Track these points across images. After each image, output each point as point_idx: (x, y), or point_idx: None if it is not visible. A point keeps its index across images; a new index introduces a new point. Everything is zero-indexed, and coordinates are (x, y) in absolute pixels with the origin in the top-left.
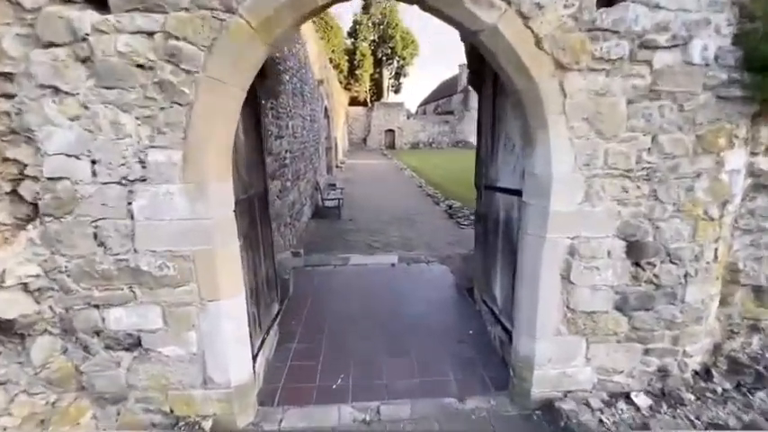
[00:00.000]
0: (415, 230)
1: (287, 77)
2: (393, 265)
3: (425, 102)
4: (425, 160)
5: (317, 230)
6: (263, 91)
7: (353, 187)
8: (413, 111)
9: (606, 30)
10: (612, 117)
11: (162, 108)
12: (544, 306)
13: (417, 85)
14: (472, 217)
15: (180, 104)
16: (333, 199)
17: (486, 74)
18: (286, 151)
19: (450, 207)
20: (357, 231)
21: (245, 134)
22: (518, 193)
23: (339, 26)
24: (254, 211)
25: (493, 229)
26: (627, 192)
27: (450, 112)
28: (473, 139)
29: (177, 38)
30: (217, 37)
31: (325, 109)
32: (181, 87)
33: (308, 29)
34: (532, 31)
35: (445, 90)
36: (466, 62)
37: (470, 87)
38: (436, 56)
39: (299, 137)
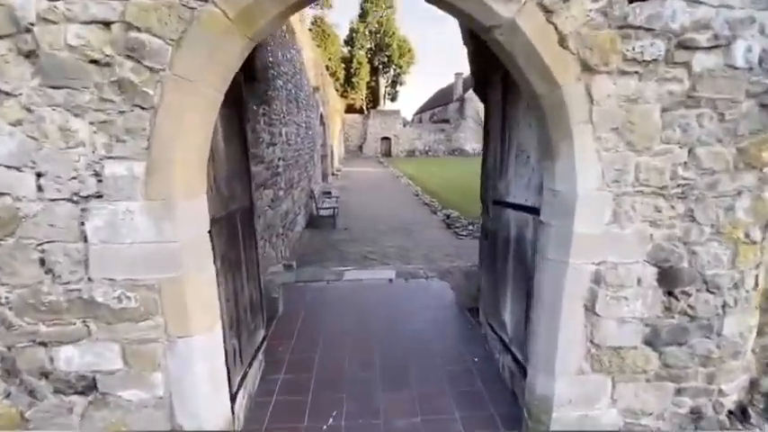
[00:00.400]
0: (412, 241)
1: (280, 83)
2: (390, 280)
3: (421, 110)
4: (422, 168)
5: (311, 241)
6: (253, 95)
7: (349, 195)
8: (409, 119)
9: (639, 27)
10: (645, 127)
11: (121, 112)
12: (565, 341)
13: (413, 93)
14: (470, 227)
15: (142, 108)
16: (328, 208)
17: (495, 79)
18: (279, 159)
19: (448, 217)
20: (352, 242)
21: (226, 142)
22: (533, 210)
23: (336, 34)
24: (236, 229)
25: (502, 249)
26: (660, 211)
27: (446, 121)
28: (469, 148)
29: (139, 29)
30: (186, 29)
31: (321, 116)
32: (143, 88)
33: (303, 36)
34: (556, 28)
35: (441, 98)
36: (469, 68)
37: (474, 94)
38: (432, 64)
39: (293, 144)
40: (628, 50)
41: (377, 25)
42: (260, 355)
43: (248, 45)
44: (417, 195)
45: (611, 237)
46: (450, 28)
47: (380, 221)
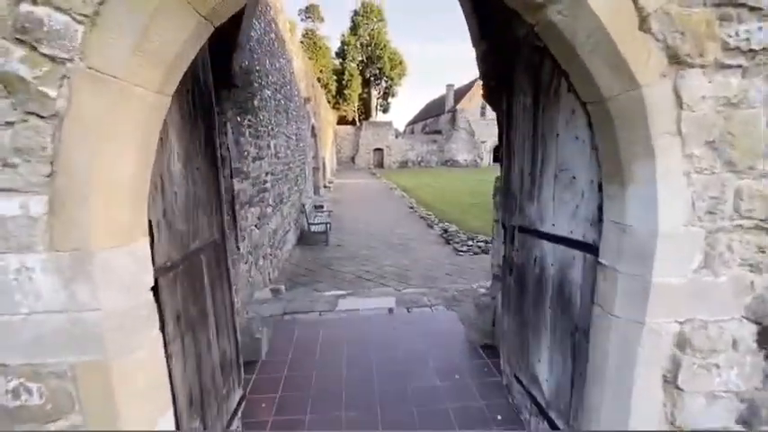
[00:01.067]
0: (409, 257)
1: (269, 93)
2: (390, 310)
3: (413, 121)
4: (415, 179)
5: (302, 259)
6: (234, 104)
7: (342, 208)
8: (401, 130)
9: (742, 4)
10: (749, 140)
11: (8, 123)
12: (638, 422)
13: (405, 104)
14: (470, 243)
15: (40, 116)
16: (320, 223)
17: (521, 81)
18: (267, 174)
19: (446, 231)
20: (346, 259)
21: (185, 162)
22: (584, 246)
23: (327, 47)
24: (200, 273)
25: (535, 290)
26: (764, 252)
27: (439, 132)
28: (461, 158)
29: (35, 0)
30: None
31: (313, 128)
32: (41, 87)
33: (293, 46)
34: (636, 5)
35: (433, 110)
36: (479, 70)
37: (464, 106)
38: (423, 77)
39: (282, 157)
40: (729, 36)
41: (368, 38)
42: (236, 422)
43: (203, 28)
44: (412, 208)
45: (700, 287)
46: (439, 42)
47: (375, 237)
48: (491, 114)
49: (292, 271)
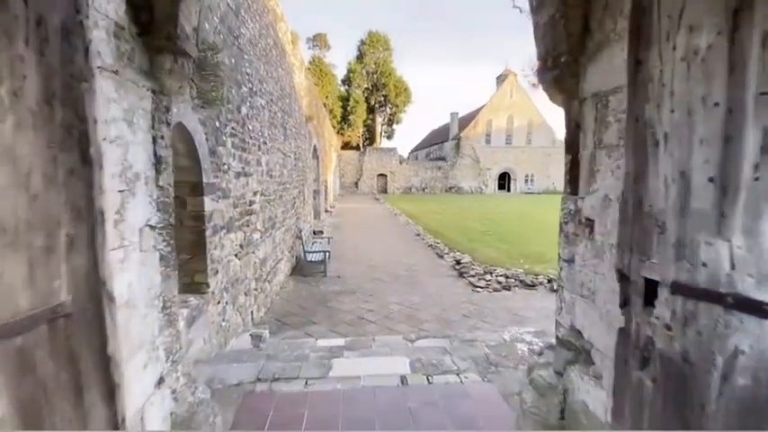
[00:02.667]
0: (419, 293)
1: (262, 102)
2: (403, 380)
3: (417, 148)
4: (420, 205)
5: (296, 293)
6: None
7: (343, 235)
8: (405, 156)
9: None
10: None
11: None
12: None
13: (409, 132)
14: (488, 277)
15: None
16: (318, 252)
17: (669, 9)
18: (255, 193)
19: (458, 263)
20: (346, 294)
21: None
22: None
23: (333, 74)
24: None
25: (724, 414)
26: None
27: (443, 158)
28: (465, 185)
29: None
30: None
31: (315, 149)
32: None
33: (295, 59)
34: None
35: (437, 137)
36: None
37: (469, 133)
38: (428, 104)
39: (276, 176)
40: None
41: (374, 66)
42: None
43: None
44: (419, 235)
45: None
46: (443, 70)
47: (379, 267)
48: (496, 141)
49: (282, 308)
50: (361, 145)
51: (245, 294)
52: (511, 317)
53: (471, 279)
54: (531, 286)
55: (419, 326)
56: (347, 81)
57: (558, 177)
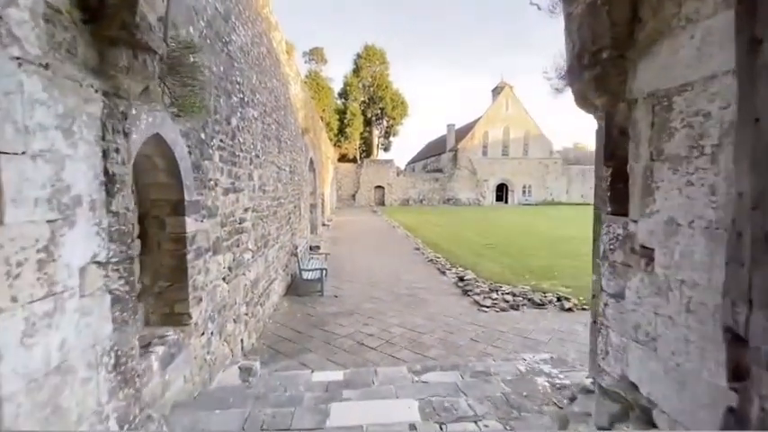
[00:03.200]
0: (421, 314)
1: (254, 113)
2: (413, 430)
3: (414, 160)
4: (418, 217)
5: (290, 316)
6: (156, 86)
7: (341, 249)
8: (402, 168)
9: None
10: None
11: None
12: None
13: (406, 144)
14: (494, 296)
15: None
16: (314, 269)
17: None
18: (246, 210)
19: (462, 279)
20: (344, 316)
21: None
22: None
23: (330, 87)
24: None
25: None
26: None
27: (440, 170)
28: (463, 197)
29: None
30: None
31: (311, 162)
32: None
33: (291, 69)
34: None
35: (434, 149)
36: (580, 38)
37: (468, 144)
38: (424, 117)
39: (270, 191)
40: None
41: (370, 79)
42: None
43: None
44: (418, 249)
45: None
46: (439, 82)
47: (379, 284)
48: (493, 153)
49: (276, 333)
50: (358, 157)
51: (234, 321)
52: (522, 340)
53: (476, 297)
54: (540, 305)
55: (424, 352)
56: (344, 94)
57: (555, 188)
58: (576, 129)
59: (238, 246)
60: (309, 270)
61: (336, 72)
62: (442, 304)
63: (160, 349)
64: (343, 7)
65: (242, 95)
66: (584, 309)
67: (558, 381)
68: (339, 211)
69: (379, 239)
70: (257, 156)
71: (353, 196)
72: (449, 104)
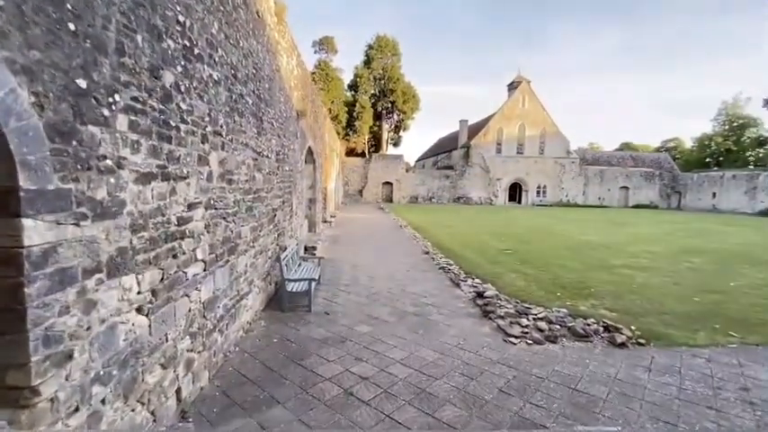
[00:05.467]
0: (431, 344)
1: (214, 75)
2: None
3: (424, 156)
4: (427, 217)
5: (264, 341)
6: None
7: (341, 251)
8: (412, 164)
9: None
10: None
11: None
12: None
13: (416, 141)
14: (524, 321)
15: None
16: (301, 280)
17: None
18: (193, 206)
19: (480, 295)
20: (333, 345)
21: None
22: None
23: (339, 78)
24: None
25: None
26: None
27: (451, 167)
28: (475, 196)
29: None
30: None
31: (310, 151)
32: None
33: (282, 37)
34: None
35: (445, 145)
36: None
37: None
38: (436, 115)
39: (240, 181)
40: None
41: (381, 72)
42: None
43: None
44: (428, 253)
45: None
46: (452, 84)
47: (380, 298)
48: (507, 150)
49: (238, 370)
50: (366, 152)
51: (163, 367)
52: (569, 394)
53: (501, 322)
54: (584, 337)
55: (435, 411)
56: (354, 86)
57: (572, 189)
58: (588, 130)
59: (174, 257)
60: (295, 281)
61: (347, 65)
62: (457, 329)
63: None
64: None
65: (187, 43)
66: (640, 343)
67: None
68: (345, 208)
69: (384, 240)
70: (218, 133)
71: (360, 192)
72: (462, 102)
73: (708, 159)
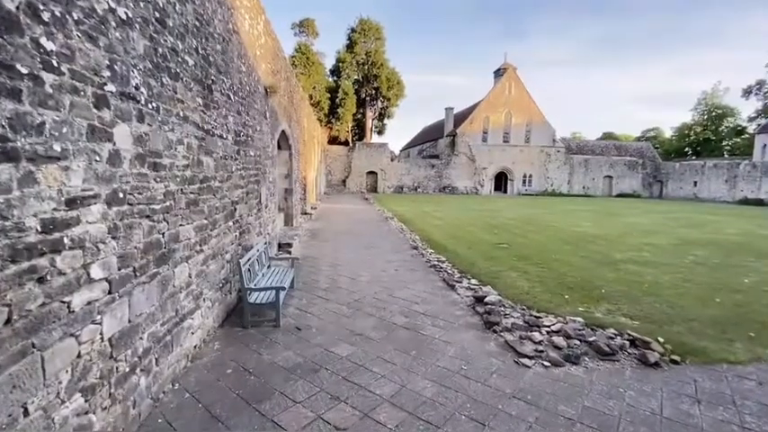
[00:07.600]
0: (427, 370)
1: (122, 14)
2: None
3: (410, 145)
4: (414, 207)
5: (216, 372)
6: None
7: (321, 247)
8: (397, 153)
9: None
10: None
11: None
12: None
13: (401, 130)
14: (537, 335)
15: None
16: (266, 289)
17: None
18: (78, 202)
19: (480, 300)
20: (302, 378)
21: None
22: None
23: (321, 62)
24: None
25: None
26: None
27: (436, 156)
28: (460, 185)
29: None
30: None
31: (285, 135)
32: None
33: (250, 2)
34: None
35: (431, 133)
36: None
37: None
38: (421, 103)
39: (178, 166)
40: None
41: (365, 56)
42: None
43: None
44: (417, 249)
45: None
46: (438, 73)
47: (364, 307)
48: (493, 139)
49: (168, 425)
50: (350, 140)
51: None
52: None
53: (508, 337)
54: (610, 355)
55: None
56: (336, 71)
57: (557, 178)
58: (571, 120)
59: (40, 281)
60: (259, 290)
61: (328, 47)
62: (457, 348)
63: None
64: None
65: None
66: (674, 361)
67: None
68: (327, 198)
69: (369, 234)
70: (130, 97)
71: (344, 182)
72: (447, 90)
73: (686, 149)
